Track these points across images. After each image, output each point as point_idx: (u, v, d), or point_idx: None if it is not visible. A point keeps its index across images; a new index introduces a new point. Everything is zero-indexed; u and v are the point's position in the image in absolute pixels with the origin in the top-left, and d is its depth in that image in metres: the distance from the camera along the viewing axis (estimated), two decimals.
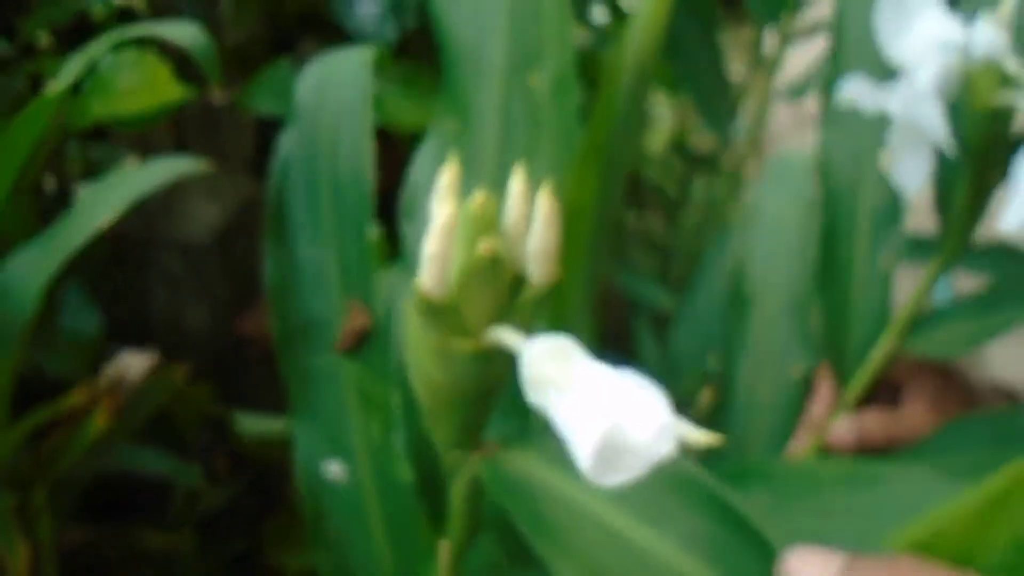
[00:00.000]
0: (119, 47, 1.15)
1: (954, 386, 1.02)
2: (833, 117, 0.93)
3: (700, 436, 0.37)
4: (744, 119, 1.84)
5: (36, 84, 1.37)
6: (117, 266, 1.41)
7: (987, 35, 0.76)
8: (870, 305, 0.97)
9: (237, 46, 1.65)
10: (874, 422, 0.98)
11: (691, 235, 1.93)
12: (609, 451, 0.35)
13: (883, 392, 1.01)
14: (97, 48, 0.87)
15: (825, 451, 1.00)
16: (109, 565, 1.19)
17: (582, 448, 0.36)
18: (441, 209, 0.39)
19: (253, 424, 1.25)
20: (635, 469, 0.36)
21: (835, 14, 1.00)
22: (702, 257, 1.66)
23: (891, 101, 0.79)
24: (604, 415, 0.36)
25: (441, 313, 0.41)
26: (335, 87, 0.79)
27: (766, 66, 1.78)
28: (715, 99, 1.72)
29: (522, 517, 0.43)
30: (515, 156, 0.67)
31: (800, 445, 1.02)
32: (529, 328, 0.42)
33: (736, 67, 2.03)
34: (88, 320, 1.19)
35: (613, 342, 1.91)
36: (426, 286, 0.40)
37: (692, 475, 0.43)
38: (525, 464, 0.45)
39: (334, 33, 1.41)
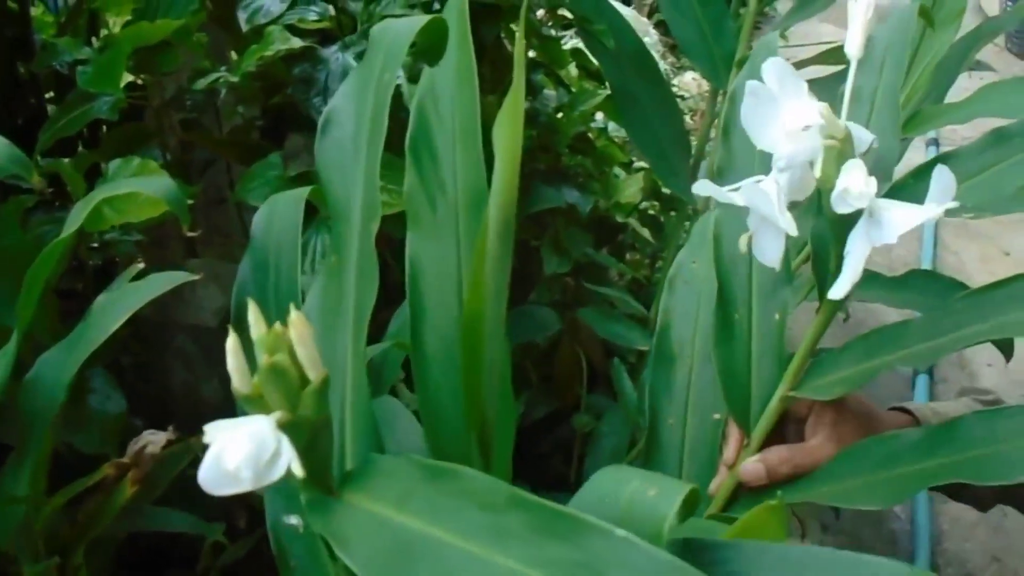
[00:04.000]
0: (127, 160, 1.32)
1: (851, 414, 1.09)
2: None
3: (299, 470, 0.56)
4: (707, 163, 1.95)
5: (53, 182, 1.52)
6: (138, 346, 1.56)
7: (791, 149, 0.87)
8: (766, 359, 1.08)
9: (234, 130, 1.80)
10: (778, 457, 1.07)
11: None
12: (214, 471, 0.55)
13: (790, 425, 1.11)
14: (100, 192, 1.03)
15: (739, 488, 1.08)
16: None
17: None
18: (230, 337, 0.59)
19: None
20: (231, 487, 0.55)
21: (728, 96, 1.12)
22: None
23: (736, 196, 0.89)
24: (214, 447, 0.55)
25: (251, 401, 0.60)
26: (278, 220, 0.97)
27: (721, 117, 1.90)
28: (671, 156, 1.85)
29: (330, 537, 0.61)
30: (365, 280, 0.85)
31: (717, 485, 1.11)
32: (317, 408, 0.61)
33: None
34: (113, 402, 1.34)
35: (602, 380, 2.05)
36: (234, 384, 0.60)
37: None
38: (350, 496, 0.63)
39: (316, 128, 1.55)
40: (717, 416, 1.13)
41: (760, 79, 0.90)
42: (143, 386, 1.51)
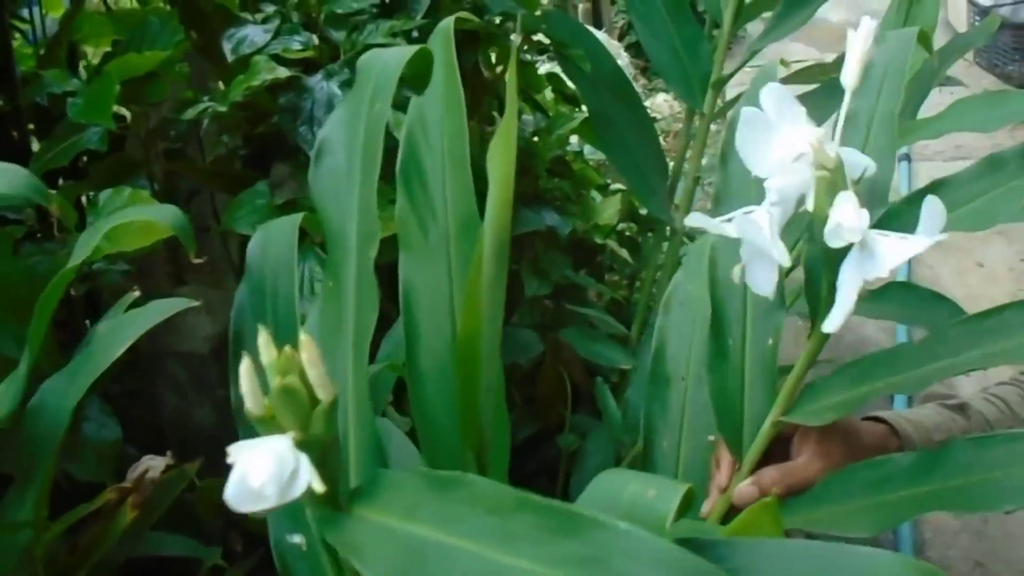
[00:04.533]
0: (118, 190, 1.34)
1: (836, 431, 1.10)
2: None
3: (319, 486, 0.58)
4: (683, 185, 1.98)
5: (42, 215, 1.53)
6: (131, 375, 1.58)
7: (782, 183, 0.88)
8: (759, 383, 1.09)
9: (217, 159, 1.82)
10: (771, 478, 1.09)
11: (647, 296, 2.07)
12: (240, 490, 0.56)
13: (776, 446, 1.10)
14: (110, 221, 1.05)
15: (731, 511, 1.09)
16: None
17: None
18: (243, 360, 0.60)
19: None
20: (256, 505, 0.57)
21: (728, 123, 1.13)
22: (649, 321, 1.79)
23: (727, 227, 0.90)
24: (238, 467, 0.56)
25: (263, 423, 0.62)
26: (274, 246, 0.99)
27: (698, 137, 1.93)
28: (649, 177, 1.87)
29: (344, 548, 0.63)
30: (365, 305, 0.88)
31: (710, 507, 1.13)
32: (327, 428, 0.63)
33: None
34: (108, 429, 1.36)
35: (585, 400, 2.07)
36: (248, 406, 0.62)
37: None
38: (360, 511, 0.65)
39: (303, 157, 1.57)
40: (712, 438, 1.14)
41: (759, 106, 0.91)
42: (135, 414, 1.52)
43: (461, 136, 0.97)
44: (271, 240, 0.99)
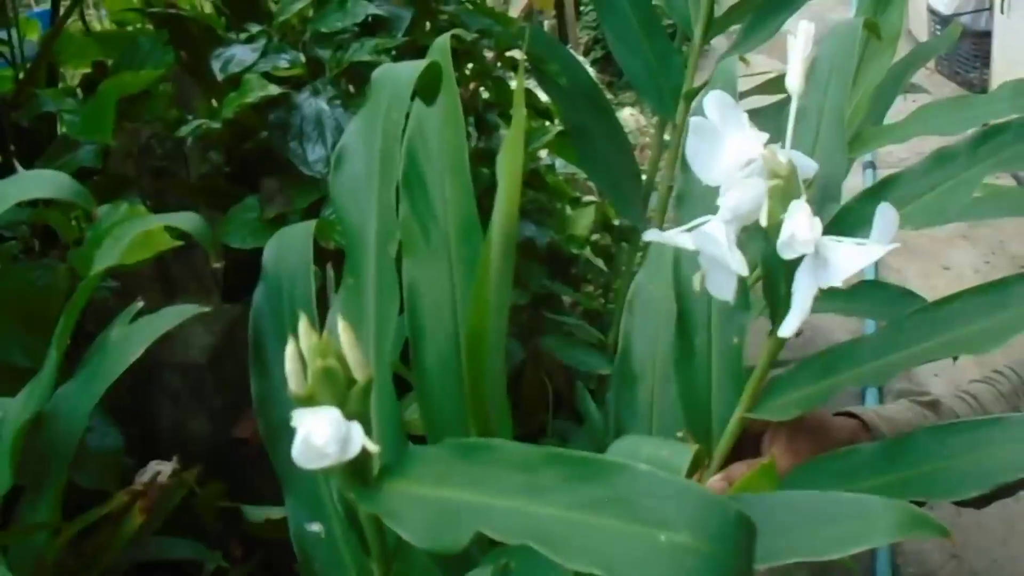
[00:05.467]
0: (116, 205, 1.37)
1: (806, 427, 1.12)
2: (685, 218, 0.94)
3: (372, 446, 0.63)
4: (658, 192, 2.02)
5: (42, 233, 1.56)
6: (128, 387, 1.61)
7: (735, 201, 0.85)
8: (726, 381, 1.09)
9: (202, 176, 1.85)
10: (740, 473, 1.07)
11: (623, 305, 2.10)
12: (305, 449, 0.61)
13: (745, 440, 1.10)
14: (133, 226, 1.09)
15: None
16: None
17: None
18: (289, 344, 0.66)
19: (259, 512, 1.45)
20: (320, 462, 0.61)
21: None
22: None
23: (685, 239, 0.88)
24: (302, 429, 0.61)
25: (304, 402, 0.66)
26: (288, 252, 1.03)
27: (670, 147, 1.98)
28: (625, 187, 1.92)
29: (382, 514, 0.68)
30: (385, 299, 0.92)
31: None
32: (362, 405, 0.68)
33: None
34: (111, 438, 1.39)
35: (565, 405, 2.11)
36: (291, 387, 0.66)
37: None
38: (391, 485, 0.70)
39: (290, 172, 1.62)
40: (680, 434, 1.15)
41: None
42: (132, 424, 1.55)
43: (460, 145, 1.02)
44: (286, 246, 1.03)
